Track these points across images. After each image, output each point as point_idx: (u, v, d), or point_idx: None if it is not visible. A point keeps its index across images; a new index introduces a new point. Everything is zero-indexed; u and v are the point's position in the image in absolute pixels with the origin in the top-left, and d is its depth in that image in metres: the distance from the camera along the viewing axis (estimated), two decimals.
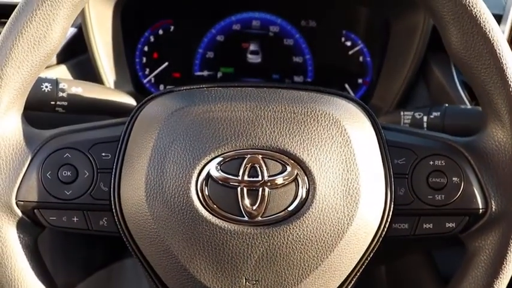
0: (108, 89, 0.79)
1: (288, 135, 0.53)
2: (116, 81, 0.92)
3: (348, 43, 1.01)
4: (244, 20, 1.00)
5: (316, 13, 1.00)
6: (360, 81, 1.02)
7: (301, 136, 0.53)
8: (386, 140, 0.58)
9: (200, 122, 0.53)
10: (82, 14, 0.87)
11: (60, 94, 0.72)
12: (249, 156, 0.52)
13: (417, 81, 0.92)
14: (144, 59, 1.01)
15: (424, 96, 0.92)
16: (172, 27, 1.00)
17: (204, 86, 0.58)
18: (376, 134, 0.57)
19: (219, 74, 1.02)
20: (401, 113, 0.77)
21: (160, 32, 1.00)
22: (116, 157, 0.56)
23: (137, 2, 0.94)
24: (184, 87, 0.59)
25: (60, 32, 0.53)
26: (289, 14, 1.00)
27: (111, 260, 1.23)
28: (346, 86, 1.02)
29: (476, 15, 0.53)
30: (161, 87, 1.02)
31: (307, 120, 0.54)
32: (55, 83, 0.72)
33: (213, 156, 0.52)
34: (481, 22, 0.53)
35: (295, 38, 1.01)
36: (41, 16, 0.51)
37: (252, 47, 1.01)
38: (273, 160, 0.52)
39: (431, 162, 0.58)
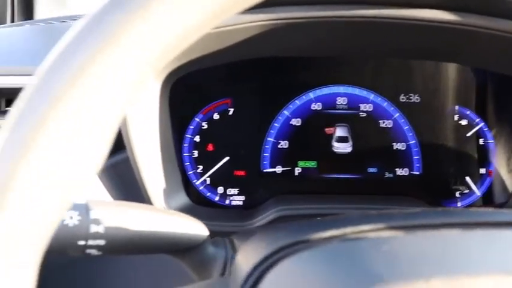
0: (166, 213, 0.50)
1: None
2: (166, 189, 0.65)
3: (464, 122, 0.77)
4: (327, 98, 0.76)
5: (419, 85, 0.76)
6: (482, 171, 0.77)
7: None
8: None
9: None
10: None
11: (94, 229, 0.43)
12: None
13: None
14: (196, 153, 0.75)
15: None
16: (231, 110, 0.75)
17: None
18: None
19: (297, 170, 0.76)
20: None
21: (216, 116, 0.75)
22: None
23: (186, 76, 0.70)
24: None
25: None
26: (384, 87, 0.76)
27: None
28: (467, 179, 0.76)
29: None
30: (220, 189, 0.75)
31: None
32: (84, 210, 0.43)
33: None
34: None
35: (394, 119, 0.76)
36: None
37: (339, 133, 0.76)
38: None
39: None
